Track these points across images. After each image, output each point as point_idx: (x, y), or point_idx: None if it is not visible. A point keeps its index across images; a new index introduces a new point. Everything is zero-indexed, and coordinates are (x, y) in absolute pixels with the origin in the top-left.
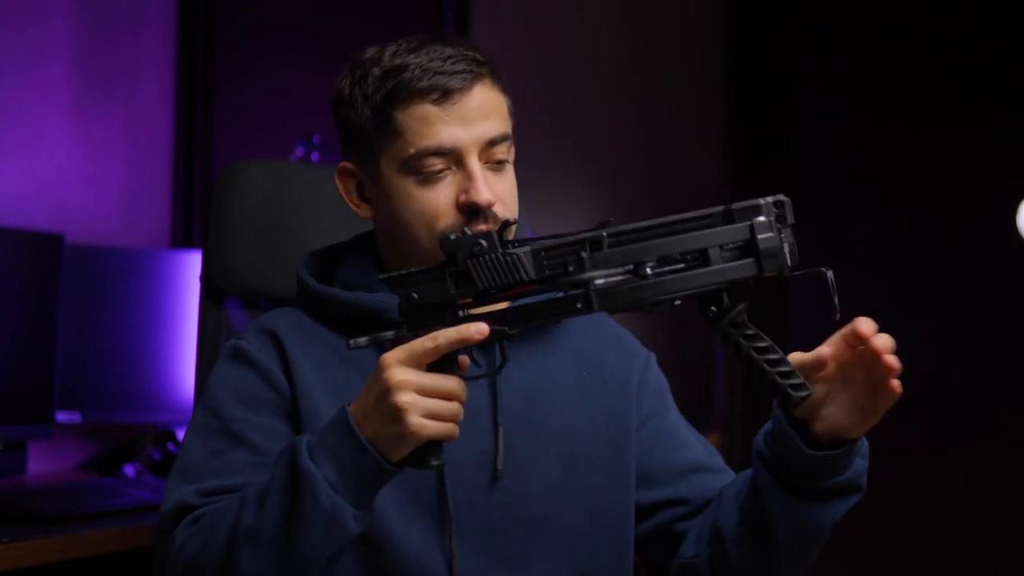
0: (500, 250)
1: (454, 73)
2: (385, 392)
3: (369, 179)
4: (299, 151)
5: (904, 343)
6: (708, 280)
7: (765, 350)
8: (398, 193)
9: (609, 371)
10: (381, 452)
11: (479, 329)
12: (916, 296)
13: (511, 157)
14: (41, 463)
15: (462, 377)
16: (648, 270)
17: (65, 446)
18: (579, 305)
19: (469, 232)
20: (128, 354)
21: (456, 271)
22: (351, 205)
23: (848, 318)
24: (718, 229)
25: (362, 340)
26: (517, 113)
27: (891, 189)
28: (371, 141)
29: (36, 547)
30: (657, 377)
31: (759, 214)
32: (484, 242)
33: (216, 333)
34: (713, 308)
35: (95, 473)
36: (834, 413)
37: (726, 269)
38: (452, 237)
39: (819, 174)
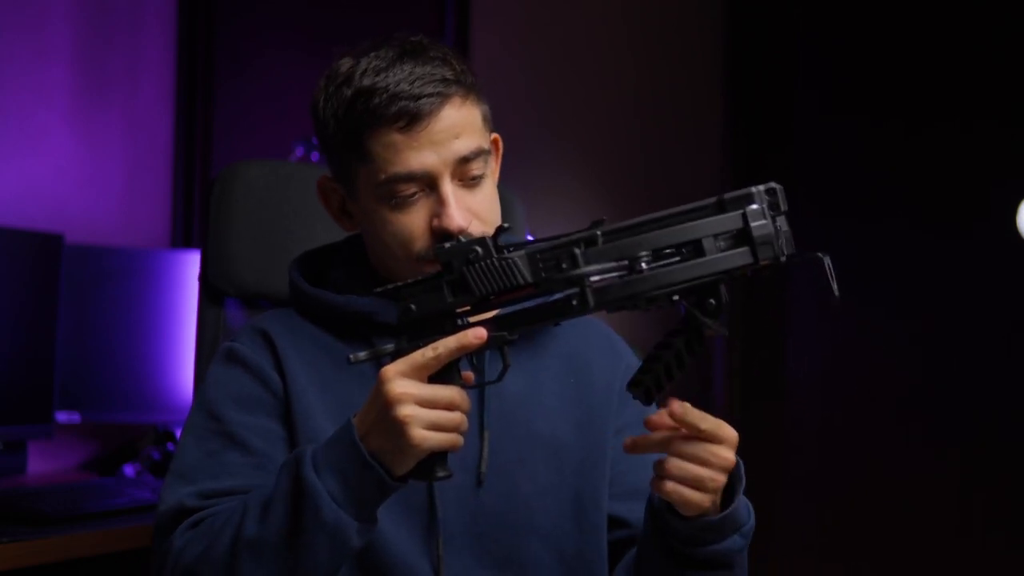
0: (495, 255)
1: (420, 97)
2: (386, 406)
3: (348, 196)
4: (299, 151)
5: (904, 343)
6: (704, 271)
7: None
8: (374, 216)
9: (596, 374)
10: (385, 466)
11: (477, 334)
12: (916, 296)
13: (490, 168)
14: (41, 463)
15: (463, 386)
16: (643, 265)
17: (65, 446)
18: (575, 303)
19: (463, 239)
20: (128, 354)
21: (452, 279)
22: (334, 219)
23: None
24: (711, 219)
25: (362, 355)
26: (517, 113)
27: (891, 189)
28: (345, 162)
29: (36, 547)
30: None
31: (752, 203)
32: (479, 248)
33: (215, 333)
34: (712, 301)
35: (95, 473)
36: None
37: (721, 259)
38: (447, 246)
39: (819, 174)
